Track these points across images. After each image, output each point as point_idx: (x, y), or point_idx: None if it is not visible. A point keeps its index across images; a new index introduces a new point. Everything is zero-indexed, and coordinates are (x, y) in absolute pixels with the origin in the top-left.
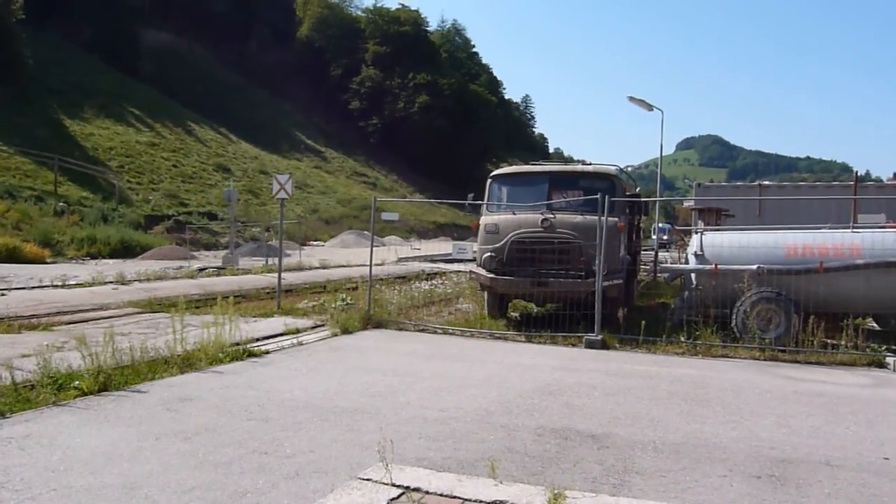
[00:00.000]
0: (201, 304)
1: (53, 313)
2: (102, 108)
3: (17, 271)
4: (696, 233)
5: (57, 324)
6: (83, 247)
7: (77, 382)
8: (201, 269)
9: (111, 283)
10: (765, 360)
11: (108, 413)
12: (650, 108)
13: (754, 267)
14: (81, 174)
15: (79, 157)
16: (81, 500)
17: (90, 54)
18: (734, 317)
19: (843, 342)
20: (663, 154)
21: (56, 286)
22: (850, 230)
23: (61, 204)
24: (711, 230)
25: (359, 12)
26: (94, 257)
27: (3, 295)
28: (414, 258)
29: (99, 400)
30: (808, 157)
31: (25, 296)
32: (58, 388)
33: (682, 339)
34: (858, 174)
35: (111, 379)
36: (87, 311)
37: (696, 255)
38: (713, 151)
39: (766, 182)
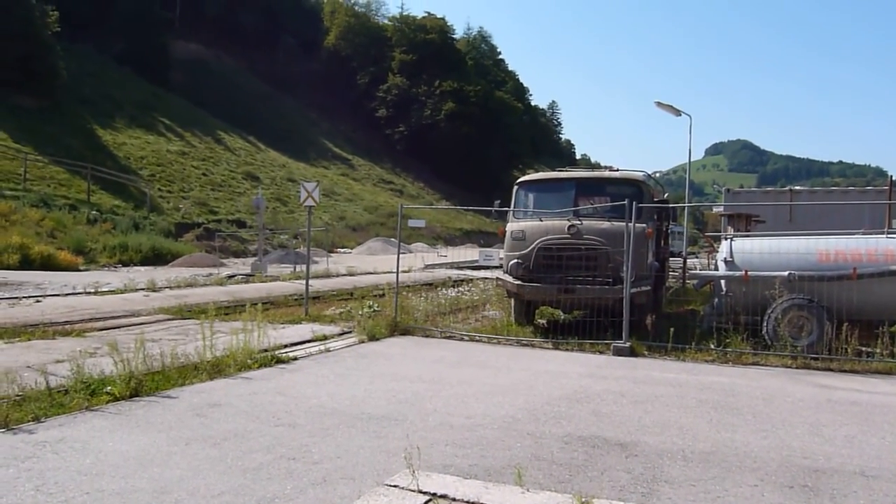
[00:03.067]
0: (230, 310)
1: (86, 319)
2: (134, 118)
3: (51, 278)
4: (726, 239)
5: (90, 330)
6: (115, 254)
7: (109, 388)
8: (230, 277)
9: (142, 289)
10: (797, 368)
11: (139, 418)
12: (678, 113)
13: (785, 273)
14: (114, 183)
15: (111, 167)
16: (113, 503)
17: (122, 66)
18: (765, 324)
19: (878, 350)
20: (692, 159)
21: (89, 293)
22: (884, 236)
23: (94, 212)
24: (741, 236)
25: (385, 21)
26: (125, 265)
27: (38, 301)
28: (440, 265)
29: (130, 405)
30: (840, 162)
31: (59, 302)
32: (91, 393)
33: (712, 346)
34: (893, 178)
35: (142, 384)
36: (119, 317)
37: (725, 261)
38: (743, 156)
39: (798, 187)
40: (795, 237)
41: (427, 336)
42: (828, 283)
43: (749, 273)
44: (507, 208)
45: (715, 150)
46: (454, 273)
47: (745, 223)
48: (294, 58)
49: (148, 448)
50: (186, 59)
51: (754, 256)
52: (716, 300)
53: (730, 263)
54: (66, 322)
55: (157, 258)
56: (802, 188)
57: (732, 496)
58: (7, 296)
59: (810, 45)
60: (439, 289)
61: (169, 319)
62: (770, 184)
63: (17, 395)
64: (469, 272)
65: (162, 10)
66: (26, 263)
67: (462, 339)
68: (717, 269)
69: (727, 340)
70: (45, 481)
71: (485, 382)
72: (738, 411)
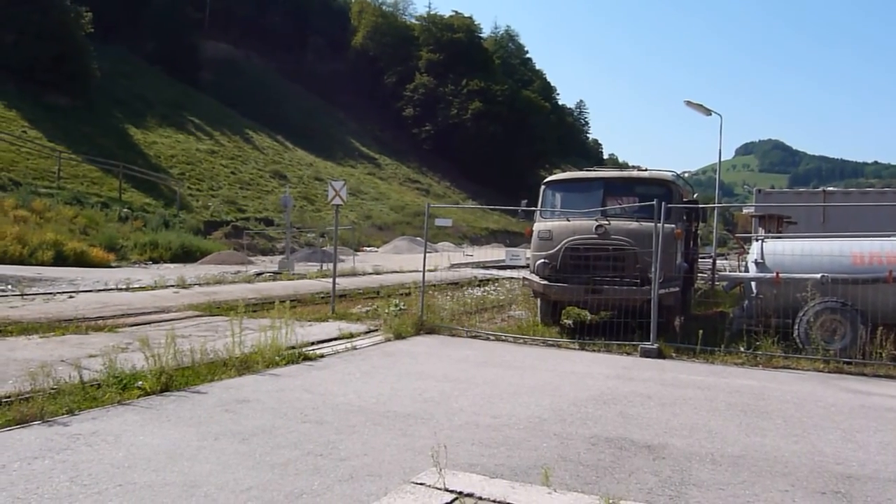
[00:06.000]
0: (258, 307)
1: (118, 315)
2: (165, 117)
3: (84, 275)
4: (757, 240)
5: (121, 325)
6: (146, 251)
7: (140, 382)
8: (258, 274)
9: (172, 286)
10: (829, 372)
11: (169, 413)
12: (708, 112)
13: (818, 276)
14: (144, 181)
15: (142, 165)
16: (144, 496)
17: (153, 66)
18: (796, 327)
19: None
20: (722, 159)
21: (120, 289)
22: None
23: (125, 210)
24: (773, 237)
25: (413, 20)
26: (155, 262)
27: (71, 297)
28: (466, 264)
29: (161, 400)
30: (875, 162)
31: (92, 298)
32: (122, 387)
33: (742, 349)
34: None
35: (172, 380)
36: (150, 313)
37: (756, 263)
38: (774, 157)
39: (831, 188)
40: (828, 239)
41: (453, 335)
42: (862, 286)
43: (780, 275)
44: (533, 208)
45: (745, 150)
46: (480, 272)
47: (777, 224)
48: (322, 57)
49: (178, 442)
50: (216, 59)
51: (786, 258)
52: (746, 302)
53: (760, 265)
54: (99, 317)
55: (187, 255)
56: (836, 189)
57: (762, 501)
58: (42, 291)
59: (843, 44)
60: (465, 288)
61: (198, 316)
62: (802, 185)
63: (52, 389)
64: (495, 272)
65: (192, 10)
66: (60, 260)
67: (488, 339)
68: (747, 270)
69: (757, 343)
70: (79, 473)
71: (511, 382)
72: (768, 415)
